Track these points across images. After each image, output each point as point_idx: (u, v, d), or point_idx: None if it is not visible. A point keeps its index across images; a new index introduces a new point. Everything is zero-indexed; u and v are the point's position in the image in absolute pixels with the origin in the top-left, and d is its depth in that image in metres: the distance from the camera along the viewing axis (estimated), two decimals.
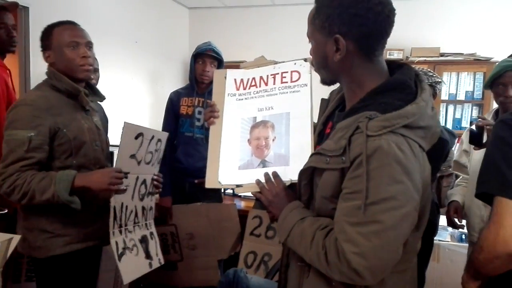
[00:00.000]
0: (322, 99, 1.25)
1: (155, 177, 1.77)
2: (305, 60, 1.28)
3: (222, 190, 2.85)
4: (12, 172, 1.43)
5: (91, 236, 1.63)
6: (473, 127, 1.98)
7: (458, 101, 3.96)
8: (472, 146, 2.06)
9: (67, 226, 1.56)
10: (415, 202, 0.92)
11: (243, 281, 1.66)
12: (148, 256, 1.73)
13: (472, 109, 3.92)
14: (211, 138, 1.31)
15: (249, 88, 1.33)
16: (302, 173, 1.05)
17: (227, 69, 1.38)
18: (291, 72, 1.28)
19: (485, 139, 1.92)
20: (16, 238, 1.42)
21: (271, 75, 1.31)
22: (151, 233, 1.79)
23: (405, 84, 0.99)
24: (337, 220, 0.95)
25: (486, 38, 3.98)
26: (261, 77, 1.32)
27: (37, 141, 1.45)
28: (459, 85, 3.92)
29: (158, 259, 1.79)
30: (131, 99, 3.90)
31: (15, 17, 2.39)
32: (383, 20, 0.96)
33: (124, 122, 1.54)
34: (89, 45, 1.61)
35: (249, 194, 2.51)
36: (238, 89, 1.34)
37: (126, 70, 3.79)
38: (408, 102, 0.95)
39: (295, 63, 1.30)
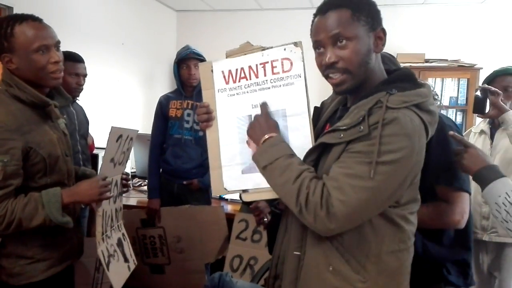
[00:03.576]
0: (315, 107, 1.28)
1: (124, 176, 1.70)
2: (295, 44, 1.18)
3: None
4: None
5: (69, 254, 1.53)
6: (478, 93, 2.00)
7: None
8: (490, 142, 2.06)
9: (47, 249, 1.44)
10: (413, 173, 1.01)
11: (229, 285, 1.65)
12: (126, 259, 1.68)
13: (456, 114, 3.98)
14: (209, 143, 1.26)
15: (239, 81, 1.24)
16: (309, 153, 1.09)
17: (212, 61, 1.28)
18: (282, 60, 1.19)
19: (487, 108, 1.95)
20: None
21: (261, 64, 1.22)
22: (123, 234, 1.73)
23: (412, 76, 1.10)
24: (330, 169, 1.01)
25: (470, 45, 4.05)
26: (250, 67, 1.24)
27: (12, 167, 1.30)
28: (443, 90, 3.98)
29: (133, 260, 1.74)
30: (117, 101, 3.86)
31: None
32: None
33: (112, 127, 1.47)
34: (58, 45, 1.40)
35: (236, 197, 2.48)
36: (227, 83, 1.25)
37: (113, 72, 3.75)
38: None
39: (284, 49, 1.20)
